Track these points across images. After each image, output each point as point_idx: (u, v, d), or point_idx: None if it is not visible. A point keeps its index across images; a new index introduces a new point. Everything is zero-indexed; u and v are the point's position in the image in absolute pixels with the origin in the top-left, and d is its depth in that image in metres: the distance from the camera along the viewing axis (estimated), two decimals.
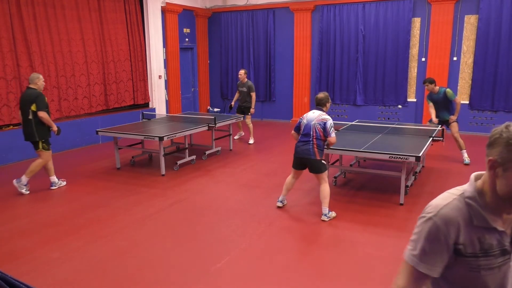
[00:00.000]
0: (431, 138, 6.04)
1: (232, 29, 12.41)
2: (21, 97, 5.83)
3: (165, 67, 11.19)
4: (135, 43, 10.30)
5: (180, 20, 11.62)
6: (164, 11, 10.94)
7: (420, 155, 5.04)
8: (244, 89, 9.12)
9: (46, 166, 6.03)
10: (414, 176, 6.29)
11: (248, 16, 12.10)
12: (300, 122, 5.02)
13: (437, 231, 1.32)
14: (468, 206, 1.33)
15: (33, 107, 5.61)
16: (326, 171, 4.95)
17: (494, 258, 1.33)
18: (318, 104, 4.99)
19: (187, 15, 11.94)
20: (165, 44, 11.13)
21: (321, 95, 4.99)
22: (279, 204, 5.29)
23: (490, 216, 1.31)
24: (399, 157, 5.07)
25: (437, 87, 7.27)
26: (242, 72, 9.14)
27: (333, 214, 4.95)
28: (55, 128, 5.87)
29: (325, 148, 4.99)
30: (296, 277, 3.65)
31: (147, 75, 10.77)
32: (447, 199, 1.36)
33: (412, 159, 5.00)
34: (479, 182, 1.36)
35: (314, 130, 4.84)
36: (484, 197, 1.33)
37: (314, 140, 4.84)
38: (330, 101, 5.01)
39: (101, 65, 9.48)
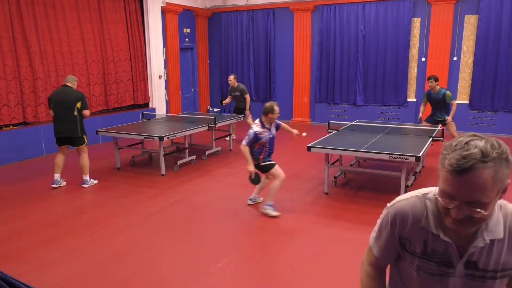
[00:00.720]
0: (431, 138, 6.04)
1: (232, 29, 12.41)
2: (59, 95, 5.94)
3: (165, 67, 11.20)
4: (135, 43, 10.30)
5: (180, 20, 11.62)
6: (164, 11, 10.94)
7: (420, 155, 5.03)
8: (237, 93, 9.14)
9: (56, 161, 6.10)
10: (414, 176, 6.29)
11: (248, 16, 12.10)
12: None
13: (388, 220, 1.38)
14: (424, 206, 1.32)
15: (79, 105, 5.90)
16: (273, 169, 5.00)
17: (436, 265, 1.30)
18: (262, 113, 5.04)
19: (187, 15, 11.95)
20: (165, 44, 11.13)
21: (267, 104, 4.98)
22: (250, 202, 5.42)
23: (444, 222, 1.25)
24: (399, 157, 5.07)
25: (438, 87, 7.34)
26: (231, 77, 9.12)
27: (274, 213, 4.98)
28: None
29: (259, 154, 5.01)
30: (296, 277, 3.65)
31: (147, 75, 10.78)
32: (409, 195, 1.39)
33: (412, 159, 5.00)
34: None
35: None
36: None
37: (253, 146, 5.03)
38: (275, 113, 4.92)
39: (101, 65, 9.49)
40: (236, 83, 9.16)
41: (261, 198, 5.48)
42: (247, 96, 9.09)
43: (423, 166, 7.09)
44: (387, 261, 1.47)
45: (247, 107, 9.12)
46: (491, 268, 1.27)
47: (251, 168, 4.92)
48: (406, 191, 5.53)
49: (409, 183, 5.79)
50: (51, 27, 8.32)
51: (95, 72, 9.35)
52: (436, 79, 7.36)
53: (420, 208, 1.32)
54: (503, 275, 1.29)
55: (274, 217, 4.93)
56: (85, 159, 6.16)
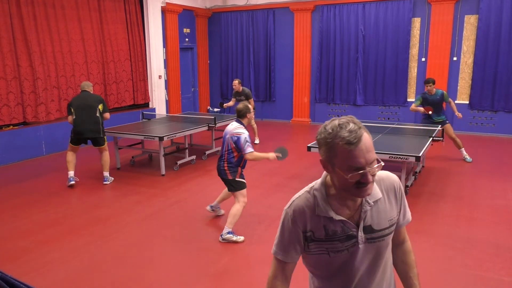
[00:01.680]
0: (431, 138, 6.04)
1: (232, 29, 12.41)
2: (80, 99, 6.21)
3: (165, 67, 11.20)
4: (135, 43, 10.30)
5: (180, 20, 11.62)
6: (164, 11, 10.94)
7: (420, 155, 5.04)
8: (242, 98, 9.11)
9: (69, 159, 6.26)
10: (414, 176, 6.29)
11: (248, 16, 12.10)
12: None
13: (289, 220, 1.49)
14: (314, 197, 1.47)
15: (100, 107, 6.19)
16: (243, 190, 4.40)
17: (339, 242, 1.45)
18: (238, 116, 4.51)
19: (187, 15, 11.95)
20: (165, 44, 11.13)
21: (240, 105, 4.53)
22: (208, 209, 5.02)
23: (335, 205, 1.44)
24: (399, 157, 5.07)
25: (434, 89, 7.30)
26: (236, 82, 9.02)
27: (236, 238, 4.30)
28: None
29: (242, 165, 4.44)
30: (296, 277, 3.64)
31: (147, 75, 10.78)
32: (300, 193, 1.53)
33: (412, 159, 5.00)
34: (328, 176, 1.47)
35: (227, 144, 4.40)
36: (329, 189, 1.46)
37: (226, 155, 4.40)
38: (251, 112, 4.57)
39: (101, 65, 9.49)
40: (241, 88, 9.14)
41: (222, 211, 5.05)
42: (252, 101, 9.07)
43: (423, 166, 7.09)
44: (292, 263, 1.59)
45: (251, 110, 9.09)
46: (384, 227, 1.49)
47: (271, 154, 4.37)
48: (406, 191, 5.53)
49: (409, 183, 5.79)
50: (51, 27, 8.32)
51: (95, 72, 9.35)
52: (434, 82, 7.33)
53: (311, 200, 1.47)
54: (392, 230, 1.53)
55: (239, 242, 4.29)
56: (107, 156, 6.37)
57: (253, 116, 9.09)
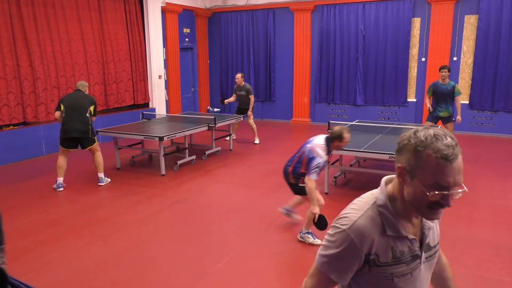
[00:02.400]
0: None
1: (232, 29, 12.41)
2: (72, 98, 6.10)
3: (165, 67, 11.20)
4: (135, 43, 10.30)
5: (180, 20, 11.62)
6: (164, 11, 10.94)
7: None
8: (243, 93, 9.09)
9: (59, 164, 6.12)
10: None
11: (248, 16, 12.10)
12: None
13: (350, 243, 1.29)
14: (381, 215, 1.30)
15: (91, 108, 6.10)
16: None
17: (405, 265, 1.32)
18: (330, 135, 4.15)
19: (187, 15, 11.94)
20: (165, 44, 11.13)
21: (337, 128, 4.09)
22: (282, 211, 4.81)
23: (402, 222, 1.30)
24: None
25: (448, 79, 7.17)
26: (239, 76, 9.07)
27: (313, 240, 4.23)
28: None
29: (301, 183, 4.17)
30: (296, 277, 3.64)
31: (147, 75, 10.78)
32: (360, 210, 1.33)
33: None
34: (390, 187, 1.33)
35: (302, 152, 4.18)
36: (394, 203, 1.30)
37: (295, 161, 4.22)
38: (344, 141, 4.04)
39: (101, 65, 9.49)
40: (243, 82, 9.13)
41: (299, 217, 4.73)
42: (252, 97, 9.07)
43: None
44: (345, 283, 1.38)
45: (250, 108, 9.10)
46: (436, 242, 1.43)
47: (317, 209, 3.92)
48: None
49: None
50: (51, 27, 8.32)
51: (95, 72, 9.35)
52: (449, 69, 7.15)
53: (377, 219, 1.30)
54: (439, 245, 1.46)
55: (315, 245, 4.19)
56: (100, 158, 6.26)
57: (251, 115, 9.16)
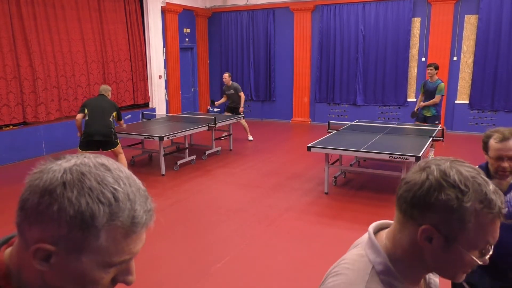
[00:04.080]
0: (431, 138, 6.04)
1: (232, 29, 12.41)
2: (96, 101, 6.26)
3: (165, 67, 11.20)
4: (135, 43, 10.30)
5: (180, 20, 11.62)
6: (164, 11, 10.94)
7: (420, 155, 5.04)
8: (231, 91, 9.17)
9: None
10: None
11: (248, 16, 12.10)
12: None
13: None
14: (385, 284, 0.95)
15: (115, 114, 6.22)
16: None
17: None
18: None
19: (187, 15, 11.94)
20: (165, 44, 11.13)
21: None
22: None
23: (409, 286, 0.98)
24: (399, 157, 5.07)
25: (436, 77, 7.22)
26: (226, 75, 9.18)
27: None
28: None
29: None
30: (296, 277, 3.65)
31: (147, 75, 10.78)
32: (359, 283, 0.96)
33: (412, 159, 5.00)
34: (384, 242, 1.00)
35: None
36: (398, 264, 0.96)
37: None
38: None
39: (101, 65, 9.49)
40: (231, 81, 9.18)
41: None
42: (242, 94, 9.12)
43: None
44: None
45: (241, 104, 9.14)
46: None
47: None
48: None
49: None
50: (51, 27, 8.32)
51: (95, 72, 9.35)
52: (437, 67, 7.16)
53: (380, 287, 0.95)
54: None
55: None
56: (123, 160, 6.32)
57: (243, 110, 9.16)
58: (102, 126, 6.05)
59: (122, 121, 6.44)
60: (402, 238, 0.94)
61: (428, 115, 7.23)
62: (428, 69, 7.20)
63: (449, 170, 0.88)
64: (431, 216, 0.88)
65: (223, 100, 9.41)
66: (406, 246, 0.94)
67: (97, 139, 6.05)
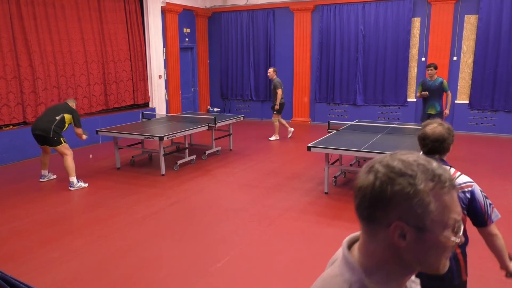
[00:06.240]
0: None
1: (232, 29, 12.41)
2: (58, 104, 6.62)
3: (165, 67, 11.20)
4: (135, 43, 10.29)
5: (180, 20, 11.62)
6: (164, 11, 10.94)
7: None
8: (273, 88, 9.26)
9: (40, 159, 6.58)
10: None
11: (248, 16, 12.10)
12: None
13: None
14: None
15: (66, 116, 6.20)
16: None
17: None
18: (435, 148, 2.44)
19: (187, 15, 11.94)
20: (165, 44, 11.13)
21: (440, 129, 2.39)
22: None
23: None
24: None
25: (436, 75, 7.31)
26: (270, 70, 9.31)
27: None
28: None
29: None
30: (296, 277, 3.65)
31: (147, 75, 10.78)
32: None
33: None
34: (361, 258, 0.94)
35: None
36: (374, 277, 0.91)
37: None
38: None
39: (101, 65, 9.49)
40: (274, 76, 9.24)
41: None
42: (279, 91, 9.10)
43: None
44: None
45: (276, 102, 9.16)
46: None
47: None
48: None
49: None
50: (51, 27, 8.32)
51: (95, 72, 9.35)
52: (436, 67, 7.29)
53: None
54: None
55: None
56: (67, 161, 6.08)
57: (277, 109, 9.08)
58: (44, 122, 6.12)
59: (80, 129, 6.25)
60: (376, 247, 0.92)
61: (433, 112, 7.22)
62: (429, 70, 7.25)
63: (392, 162, 0.90)
64: (394, 211, 0.87)
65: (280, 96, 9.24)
66: (381, 253, 0.91)
67: (37, 133, 6.12)
